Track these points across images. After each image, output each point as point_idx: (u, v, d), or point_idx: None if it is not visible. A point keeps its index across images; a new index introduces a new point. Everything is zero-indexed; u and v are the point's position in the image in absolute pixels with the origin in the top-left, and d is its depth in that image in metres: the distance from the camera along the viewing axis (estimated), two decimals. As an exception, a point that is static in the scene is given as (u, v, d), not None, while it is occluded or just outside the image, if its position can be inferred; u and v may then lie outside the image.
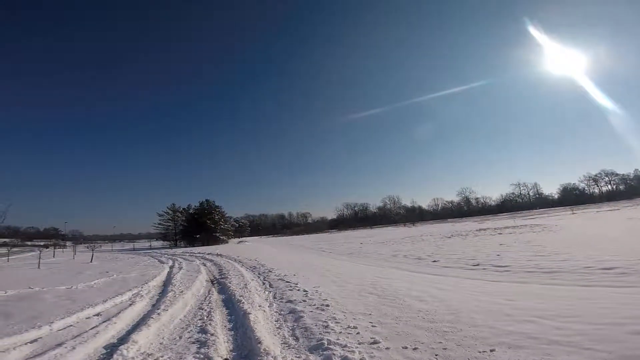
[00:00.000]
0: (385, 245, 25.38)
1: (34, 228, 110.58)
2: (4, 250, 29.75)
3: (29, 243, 76.97)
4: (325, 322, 5.26)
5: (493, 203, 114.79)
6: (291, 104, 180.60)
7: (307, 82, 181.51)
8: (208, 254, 28.87)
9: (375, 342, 4.24)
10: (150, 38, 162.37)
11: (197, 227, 63.93)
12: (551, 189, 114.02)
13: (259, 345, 4.29)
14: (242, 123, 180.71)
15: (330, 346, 4.15)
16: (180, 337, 5.03)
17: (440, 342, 4.12)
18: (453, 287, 7.92)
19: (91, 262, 23.06)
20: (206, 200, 70.22)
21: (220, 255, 25.36)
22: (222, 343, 4.75)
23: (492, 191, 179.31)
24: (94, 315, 6.17)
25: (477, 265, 11.97)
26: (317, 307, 6.31)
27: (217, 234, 64.44)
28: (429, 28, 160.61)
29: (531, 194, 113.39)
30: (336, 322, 5.21)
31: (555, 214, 53.59)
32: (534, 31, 75.11)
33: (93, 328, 5.11)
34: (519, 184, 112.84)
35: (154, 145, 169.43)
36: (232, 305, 7.37)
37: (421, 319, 5.23)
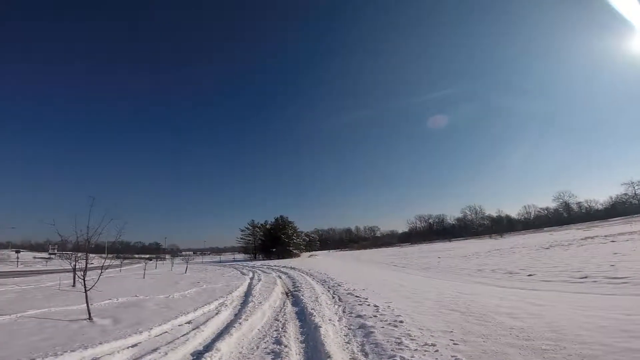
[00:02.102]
0: (467, 259, 23.56)
1: (141, 243, 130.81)
2: (117, 262, 35.82)
3: (136, 256, 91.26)
4: (398, 338, 4.92)
5: (600, 207, 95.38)
6: (358, 117, 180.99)
7: (378, 92, 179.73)
8: (283, 266, 30.22)
9: None
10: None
11: (273, 242, 68.02)
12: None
13: (328, 359, 4.22)
14: (312, 142, 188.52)
15: (403, 364, 3.83)
16: (257, 347, 5.22)
17: (538, 361, 3.52)
18: (553, 302, 6.89)
19: (185, 273, 26.13)
20: (280, 216, 74.69)
21: (294, 268, 26.28)
22: (294, 355, 4.80)
23: (598, 193, 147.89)
24: (185, 323, 6.82)
25: (585, 277, 10.38)
26: (389, 323, 5.97)
27: (290, 248, 67.42)
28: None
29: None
30: (411, 339, 4.84)
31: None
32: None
33: (184, 335, 5.62)
34: (632, 183, 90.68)
35: (239, 167, 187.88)
36: (304, 318, 7.48)
37: (514, 336, 4.60)
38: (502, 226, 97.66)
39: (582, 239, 26.85)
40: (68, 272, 16.96)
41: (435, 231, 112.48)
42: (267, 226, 75.56)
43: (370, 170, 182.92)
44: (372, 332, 5.43)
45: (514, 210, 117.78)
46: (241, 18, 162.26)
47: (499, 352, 4.02)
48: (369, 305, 8.01)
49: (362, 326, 6.00)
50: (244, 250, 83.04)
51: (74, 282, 13.17)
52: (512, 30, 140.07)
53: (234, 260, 65.68)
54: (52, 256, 65.23)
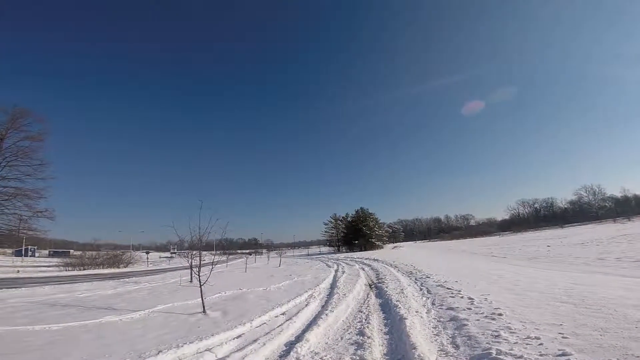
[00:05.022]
0: (585, 247, 20.74)
1: (242, 239, 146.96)
2: (224, 258, 41.03)
3: (239, 251, 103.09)
4: (495, 331, 4.62)
5: None
6: (450, 94, 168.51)
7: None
8: (366, 259, 30.39)
9: (564, 355, 3.47)
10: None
11: (355, 234, 68.76)
12: None
13: (413, 350, 4.15)
14: (393, 130, 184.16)
15: (500, 356, 3.61)
16: (342, 338, 5.44)
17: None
18: None
19: (279, 266, 28.56)
20: (361, 208, 74.78)
21: (377, 260, 26.18)
22: (377, 346, 4.85)
23: None
24: (280, 314, 7.49)
25: None
26: (486, 316, 5.61)
27: (373, 240, 67.08)
28: None
29: None
30: (511, 332, 4.50)
31: None
32: None
33: (279, 326, 6.19)
34: None
35: (321, 161, 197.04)
36: (388, 310, 7.47)
37: (642, 330, 3.93)
38: (629, 208, 79.53)
39: None
40: (186, 269, 20.24)
41: (542, 217, 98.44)
42: (349, 219, 76.72)
43: (460, 153, 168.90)
44: (465, 325, 5.20)
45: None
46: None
47: (618, 347, 3.52)
48: (462, 297, 7.61)
49: (453, 319, 5.77)
50: (328, 243, 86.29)
51: (191, 278, 15.70)
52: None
53: (320, 253, 68.77)
54: (173, 255, 78.95)
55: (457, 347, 4.31)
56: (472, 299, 7.24)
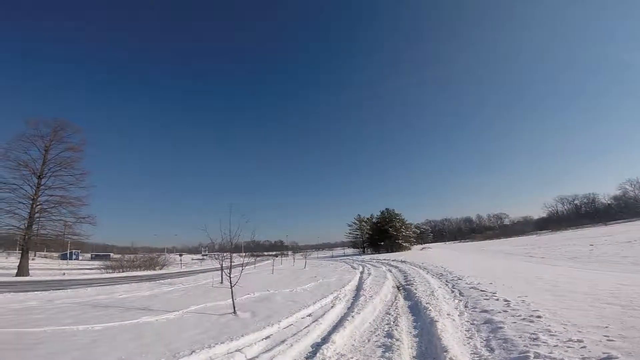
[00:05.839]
0: (632, 246, 19.50)
1: (268, 241, 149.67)
2: (252, 259, 42.02)
3: (265, 253, 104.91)
4: (534, 334, 4.44)
5: None
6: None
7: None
8: (392, 260, 29.87)
9: (609, 358, 3.30)
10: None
11: (380, 235, 67.71)
12: None
13: (444, 353, 4.05)
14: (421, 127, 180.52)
15: (538, 360, 3.42)
16: (369, 340, 5.38)
17: None
18: None
19: (304, 268, 28.75)
20: (386, 209, 73.54)
21: (404, 262, 25.64)
22: (405, 349, 4.76)
23: None
24: (307, 316, 7.54)
25: None
26: (524, 319, 5.38)
27: (399, 241, 65.71)
28: None
29: None
30: (550, 335, 4.30)
31: None
32: None
33: (305, 327, 6.24)
34: None
35: (344, 162, 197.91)
36: (418, 312, 7.32)
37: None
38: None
39: None
40: (216, 270, 20.83)
41: (583, 214, 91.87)
42: (373, 220, 75.75)
43: (489, 149, 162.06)
44: (500, 328, 5.01)
45: None
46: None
47: (672, 350, 3.22)
48: (497, 299, 7.32)
49: (488, 321, 5.57)
50: (352, 244, 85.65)
51: (222, 279, 16.19)
52: None
53: (344, 255, 68.44)
54: (204, 257, 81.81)
55: (491, 350, 4.17)
56: (508, 301, 6.95)
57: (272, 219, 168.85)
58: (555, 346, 3.85)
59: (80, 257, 66.66)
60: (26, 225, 24.81)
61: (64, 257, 57.76)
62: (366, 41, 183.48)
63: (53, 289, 15.06)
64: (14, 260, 38.16)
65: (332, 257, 67.56)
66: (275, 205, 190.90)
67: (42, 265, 40.35)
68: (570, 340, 4.01)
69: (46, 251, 61.82)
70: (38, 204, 25.58)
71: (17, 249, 39.52)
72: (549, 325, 4.75)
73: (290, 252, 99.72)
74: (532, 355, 3.61)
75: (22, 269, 24.59)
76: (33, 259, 43.11)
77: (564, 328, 4.56)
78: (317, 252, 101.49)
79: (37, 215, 25.56)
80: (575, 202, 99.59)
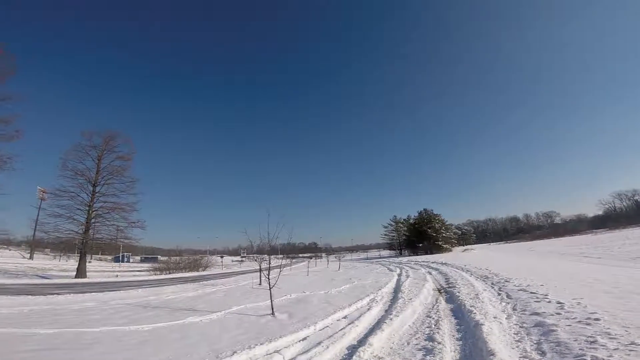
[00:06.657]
0: None
1: (302, 243, 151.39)
2: (288, 261, 42.63)
3: (300, 255, 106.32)
4: (591, 337, 4.12)
5: None
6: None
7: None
8: (432, 262, 28.73)
9: None
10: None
11: (419, 236, 65.46)
12: None
13: (491, 357, 3.87)
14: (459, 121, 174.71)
15: (595, 364, 3.18)
16: (408, 343, 5.22)
17: None
18: None
19: (339, 270, 28.63)
20: (424, 209, 70.98)
21: (445, 264, 24.54)
22: (448, 352, 4.58)
23: None
24: (342, 318, 7.50)
25: None
26: (579, 321, 5.00)
27: (439, 243, 63.04)
28: None
29: None
30: (610, 338, 3.99)
31: None
32: None
33: (341, 329, 6.19)
34: None
35: (387, 162, 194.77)
36: (461, 315, 7.02)
37: None
38: None
39: None
40: (255, 272, 21.42)
41: None
42: (410, 221, 73.48)
43: (537, 145, 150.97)
44: (553, 331, 4.69)
45: None
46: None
47: None
48: (549, 302, 6.83)
49: (539, 324, 5.23)
50: (388, 246, 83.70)
51: (260, 281, 16.64)
52: None
53: (380, 257, 67.09)
54: (243, 259, 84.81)
55: (543, 353, 3.91)
56: (562, 303, 6.45)
57: (306, 221, 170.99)
58: (615, 349, 3.58)
59: (131, 260, 72.23)
60: (84, 230, 27.16)
61: (116, 259, 62.96)
62: (391, 40, 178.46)
63: (108, 290, 16.30)
64: (72, 263, 42.35)
65: (367, 259, 66.55)
66: (308, 206, 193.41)
67: (97, 268, 44.12)
68: (633, 343, 3.71)
69: (101, 254, 67.80)
70: (93, 210, 27.94)
71: (76, 252, 43.67)
72: (609, 328, 4.39)
73: (324, 254, 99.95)
74: (589, 358, 3.40)
75: (81, 271, 26.84)
76: (90, 262, 47.24)
77: (626, 331, 4.22)
78: (350, 254, 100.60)
79: (92, 220, 27.90)
80: (636, 197, 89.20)
